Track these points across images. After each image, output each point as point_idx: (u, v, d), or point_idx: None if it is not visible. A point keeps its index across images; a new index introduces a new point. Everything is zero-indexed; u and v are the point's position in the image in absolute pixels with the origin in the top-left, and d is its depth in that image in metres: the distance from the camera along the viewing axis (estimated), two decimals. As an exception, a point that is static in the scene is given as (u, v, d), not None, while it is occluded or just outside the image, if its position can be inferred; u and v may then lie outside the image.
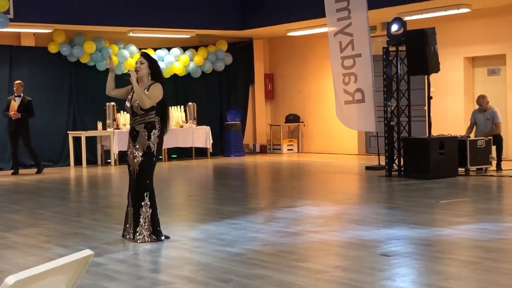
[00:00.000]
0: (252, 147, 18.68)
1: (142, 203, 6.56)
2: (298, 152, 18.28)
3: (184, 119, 16.82)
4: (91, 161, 15.84)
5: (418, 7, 13.49)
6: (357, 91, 12.63)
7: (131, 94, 6.66)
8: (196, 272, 5.42)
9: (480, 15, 14.18)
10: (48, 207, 9.32)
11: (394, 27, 11.96)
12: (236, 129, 17.66)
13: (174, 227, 7.33)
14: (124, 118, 15.57)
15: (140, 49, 15.72)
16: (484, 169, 11.98)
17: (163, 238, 6.62)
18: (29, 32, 15.44)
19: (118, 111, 15.73)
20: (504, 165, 12.13)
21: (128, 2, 15.33)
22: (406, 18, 12.99)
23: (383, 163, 12.52)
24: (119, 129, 15.61)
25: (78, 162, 15.56)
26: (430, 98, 11.73)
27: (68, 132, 15.73)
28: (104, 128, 15.68)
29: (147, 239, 6.53)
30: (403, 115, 12.13)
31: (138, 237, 6.54)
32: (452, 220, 7.35)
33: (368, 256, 5.76)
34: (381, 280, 5.00)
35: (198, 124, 16.97)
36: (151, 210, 6.58)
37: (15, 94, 13.98)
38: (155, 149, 6.60)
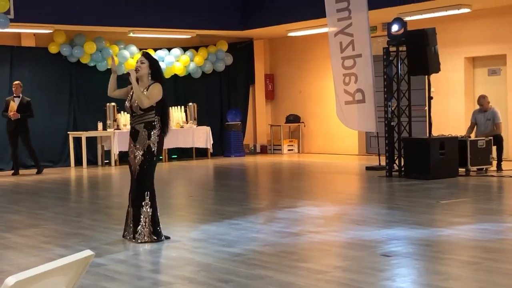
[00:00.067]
0: (252, 148, 18.68)
1: (143, 203, 6.56)
2: (299, 152, 18.28)
3: (184, 119, 16.82)
4: (92, 162, 15.84)
5: (419, 7, 13.49)
6: (357, 91, 12.63)
7: (131, 93, 6.66)
8: (197, 273, 5.42)
9: (481, 15, 14.18)
10: (49, 207, 9.32)
11: (395, 27, 11.96)
12: (237, 129, 17.66)
13: (174, 227, 7.33)
14: (124, 119, 15.57)
15: (140, 49, 15.73)
16: (484, 169, 11.98)
17: (163, 238, 6.62)
18: (29, 32, 15.44)
19: (119, 112, 15.73)
20: (504, 165, 12.13)
21: (129, 3, 15.33)
22: (407, 18, 12.98)
23: (383, 163, 12.51)
24: (120, 129, 15.61)
25: (78, 162, 15.56)
26: (430, 98, 11.72)
27: (68, 132, 15.73)
28: (104, 128, 15.69)
29: (147, 239, 6.53)
30: (403, 115, 12.13)
31: (138, 237, 6.54)
32: (452, 221, 7.35)
33: (368, 257, 5.76)
34: (381, 280, 4.99)
35: (199, 124, 16.97)
36: (151, 210, 6.58)
37: (14, 95, 13.98)
38: (156, 148, 6.60)
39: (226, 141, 17.72)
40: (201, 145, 16.87)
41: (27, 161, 14.77)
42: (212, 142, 16.97)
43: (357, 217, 7.89)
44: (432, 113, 11.90)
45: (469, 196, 9.73)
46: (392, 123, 12.08)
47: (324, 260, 5.79)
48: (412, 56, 11.74)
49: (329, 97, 16.38)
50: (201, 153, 17.21)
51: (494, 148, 12.15)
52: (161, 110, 6.64)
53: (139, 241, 6.52)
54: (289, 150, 18.23)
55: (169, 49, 17.06)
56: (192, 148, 17.01)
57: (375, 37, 15.30)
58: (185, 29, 16.37)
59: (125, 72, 6.85)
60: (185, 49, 17.29)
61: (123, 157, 14.71)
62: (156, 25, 15.82)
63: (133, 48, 16.43)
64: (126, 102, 6.72)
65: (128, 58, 16.17)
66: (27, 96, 14.16)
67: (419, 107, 14.48)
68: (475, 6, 13.51)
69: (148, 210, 6.57)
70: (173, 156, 17.02)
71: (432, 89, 11.93)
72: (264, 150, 18.68)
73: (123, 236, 6.76)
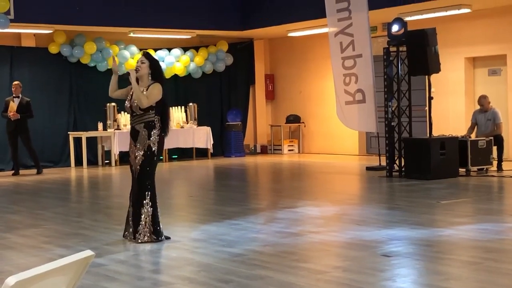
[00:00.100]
0: (252, 148, 18.68)
1: (144, 202, 6.56)
2: (299, 152, 18.28)
3: (184, 119, 16.83)
4: (92, 162, 15.84)
5: (419, 8, 13.49)
6: (357, 91, 12.62)
7: (131, 93, 6.66)
8: (197, 273, 5.42)
9: (481, 15, 14.18)
10: (49, 207, 9.32)
11: (395, 28, 11.96)
12: (237, 129, 17.66)
13: (174, 227, 7.32)
14: (124, 119, 15.57)
15: (140, 49, 15.73)
16: (485, 169, 11.98)
17: (163, 238, 6.62)
18: (29, 32, 15.44)
19: (119, 112, 15.73)
20: (505, 165, 12.13)
21: (129, 3, 15.33)
22: (407, 19, 12.98)
23: (383, 163, 12.51)
24: (120, 129, 15.61)
25: (78, 162, 15.56)
26: (431, 98, 11.72)
27: (68, 132, 15.73)
28: (104, 128, 15.69)
29: (147, 238, 6.53)
30: (404, 116, 12.13)
31: (138, 237, 6.54)
32: (452, 221, 7.34)
33: (368, 257, 5.76)
34: (381, 280, 4.99)
35: (199, 124, 16.97)
36: (152, 210, 6.58)
37: (14, 95, 13.98)
38: (156, 148, 6.60)
39: (227, 141, 17.72)
40: (201, 145, 16.88)
41: (27, 161, 14.77)
42: (212, 142, 16.97)
43: (358, 217, 7.89)
44: (432, 113, 11.90)
45: (470, 196, 9.73)
46: (392, 123, 12.08)
47: (324, 260, 5.79)
48: (413, 56, 11.74)
49: (329, 97, 16.38)
50: (201, 153, 17.21)
51: (494, 148, 12.15)
52: (161, 110, 6.64)
53: (139, 241, 6.52)
54: (289, 150, 18.23)
55: (170, 49, 17.06)
56: (192, 148, 17.01)
57: (376, 37, 15.30)
58: (185, 29, 16.37)
59: (125, 72, 6.83)
60: (185, 49, 17.29)
61: (123, 157, 14.72)
62: (156, 25, 15.82)
63: (133, 48, 16.43)
64: (126, 102, 6.72)
65: (129, 58, 16.17)
66: (27, 97, 14.16)
67: (420, 107, 14.48)
68: (475, 6, 13.51)
69: (149, 210, 6.57)
70: (173, 156, 17.02)
71: (432, 89, 11.93)
72: (264, 150, 18.68)
73: (124, 236, 6.76)
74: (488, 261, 5.46)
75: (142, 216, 6.55)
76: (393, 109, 12.06)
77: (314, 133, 18.03)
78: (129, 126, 7.12)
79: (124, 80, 6.78)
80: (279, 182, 12.52)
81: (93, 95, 15.93)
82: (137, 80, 6.61)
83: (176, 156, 17.09)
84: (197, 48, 17.52)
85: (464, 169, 11.74)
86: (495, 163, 12.10)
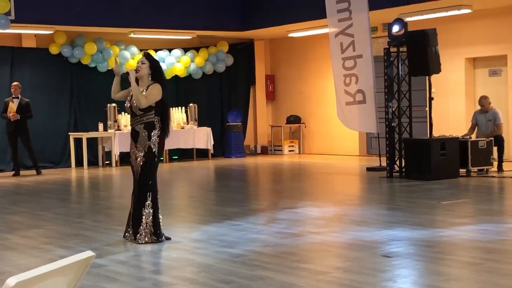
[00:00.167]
0: (253, 148, 18.68)
1: (145, 204, 6.56)
2: (299, 153, 18.28)
3: (185, 120, 16.83)
4: (92, 163, 15.84)
5: (419, 8, 13.49)
6: (358, 92, 12.62)
7: (131, 94, 6.66)
8: (197, 273, 5.42)
9: (481, 15, 14.18)
10: (49, 208, 9.32)
11: (395, 28, 11.96)
12: (237, 130, 17.66)
13: (175, 228, 7.33)
14: (125, 119, 15.57)
15: (141, 50, 15.73)
16: (485, 170, 11.97)
17: (163, 239, 6.62)
18: (30, 33, 15.45)
19: (119, 112, 15.74)
20: (505, 166, 12.12)
21: (129, 3, 15.33)
22: (407, 19, 12.98)
23: (384, 164, 12.51)
24: (120, 130, 15.62)
25: (79, 163, 15.56)
26: (431, 99, 11.72)
27: (69, 133, 15.74)
28: (105, 129, 15.69)
29: (147, 239, 6.53)
30: (404, 116, 12.13)
31: (139, 238, 6.54)
32: (453, 221, 7.34)
33: (369, 257, 5.76)
34: (382, 281, 4.99)
35: (199, 125, 16.97)
36: (153, 211, 6.58)
37: (13, 96, 13.98)
38: (157, 149, 6.59)
39: (227, 142, 17.73)
40: (201, 146, 16.88)
41: (27, 162, 14.76)
42: (212, 143, 16.97)
43: (358, 218, 7.89)
44: (432, 114, 11.90)
45: (470, 197, 9.73)
46: (392, 124, 12.08)
47: (324, 261, 5.79)
48: (413, 57, 11.74)
49: (329, 97, 16.38)
50: (201, 154, 17.21)
51: (495, 149, 12.14)
52: (161, 111, 6.63)
53: (140, 241, 6.52)
54: (289, 151, 18.23)
55: (170, 50, 17.06)
56: (192, 149, 17.01)
57: (376, 38, 15.29)
58: (186, 30, 16.38)
59: (124, 72, 6.82)
60: (185, 50, 17.29)
61: (124, 158, 14.72)
62: (156, 26, 15.82)
63: (134, 49, 16.43)
64: (126, 103, 6.72)
65: (129, 59, 16.17)
66: (26, 97, 14.16)
67: (420, 108, 14.48)
68: (475, 6, 13.51)
69: (150, 210, 6.57)
70: (173, 157, 17.02)
71: (432, 90, 11.92)
72: (264, 151, 18.68)
73: (124, 237, 6.76)
74: (488, 261, 5.46)
75: (143, 217, 6.55)
76: (393, 109, 12.06)
77: (315, 134, 18.03)
78: (129, 127, 7.12)
79: (125, 81, 6.77)
80: (280, 183, 12.52)
81: (94, 96, 15.94)
82: (138, 80, 6.61)
83: (176, 157, 17.08)
84: (197, 49, 17.52)
85: (464, 170, 11.73)
86: (495, 163, 12.09)
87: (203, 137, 16.83)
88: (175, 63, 16.95)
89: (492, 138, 12.09)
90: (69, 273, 2.64)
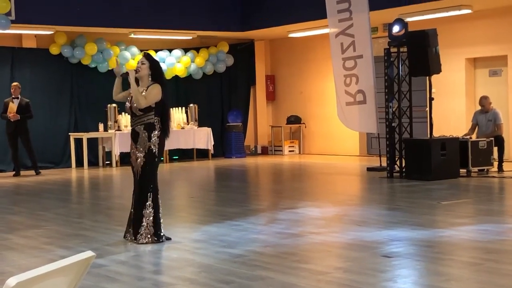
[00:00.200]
0: (253, 149, 18.68)
1: (146, 204, 6.56)
2: (300, 153, 18.28)
3: (185, 120, 16.83)
4: (93, 163, 15.85)
5: (420, 8, 13.50)
6: (358, 92, 12.62)
7: (131, 95, 6.65)
8: (198, 274, 5.42)
9: (482, 16, 14.18)
10: (50, 208, 9.33)
11: (396, 28, 11.96)
12: (238, 130, 17.67)
13: (175, 228, 7.33)
14: (125, 120, 15.57)
15: (141, 50, 15.74)
16: (485, 170, 11.97)
17: (164, 239, 6.62)
18: (30, 33, 15.45)
19: (120, 113, 15.74)
20: (505, 166, 12.13)
21: (129, 4, 15.34)
22: (408, 19, 12.99)
23: (384, 164, 12.51)
24: (121, 130, 15.62)
25: (79, 163, 15.57)
26: (431, 99, 11.72)
27: (69, 133, 15.74)
28: (105, 129, 15.70)
29: (148, 240, 6.53)
30: (404, 116, 12.13)
31: (139, 238, 6.54)
32: (453, 221, 7.34)
33: (369, 258, 5.76)
34: (382, 281, 4.99)
35: (200, 125, 16.97)
36: (153, 211, 6.58)
37: (13, 96, 13.98)
38: (157, 150, 6.59)
39: (227, 142, 17.73)
40: (202, 146, 16.88)
41: (27, 162, 14.77)
42: (213, 143, 16.98)
43: (358, 218, 7.88)
44: (433, 114, 11.91)
45: (470, 197, 9.73)
46: (393, 124, 12.08)
47: (325, 261, 5.79)
48: (413, 57, 11.74)
49: (330, 98, 16.38)
50: (202, 154, 17.22)
51: (495, 149, 12.14)
52: (161, 111, 6.63)
53: (140, 241, 6.52)
54: (290, 151, 18.23)
55: (170, 50, 17.07)
56: (193, 149, 17.02)
57: (376, 38, 15.29)
58: (186, 30, 16.38)
59: (124, 72, 6.82)
60: (186, 50, 17.30)
61: (124, 158, 14.73)
62: (157, 26, 15.83)
63: (134, 49, 16.44)
64: (126, 103, 6.72)
65: (129, 59, 16.17)
66: (26, 97, 14.16)
67: (420, 108, 14.48)
68: (476, 7, 13.51)
69: (150, 211, 6.57)
70: (174, 157, 17.02)
71: (433, 90, 11.93)
72: (265, 151, 18.68)
73: (124, 237, 6.76)
74: (488, 262, 5.46)
75: (144, 218, 6.55)
76: (393, 109, 12.06)
77: (315, 134, 18.03)
78: (129, 127, 7.12)
79: (128, 83, 6.77)
80: (280, 183, 12.52)
81: (94, 96, 15.95)
82: (138, 81, 6.61)
83: (176, 157, 17.09)
84: (197, 49, 17.53)
85: (464, 170, 11.73)
86: (495, 164, 12.09)
87: (203, 137, 16.84)
88: (175, 63, 16.95)
89: (493, 138, 12.09)
90: (69, 273, 2.64)
